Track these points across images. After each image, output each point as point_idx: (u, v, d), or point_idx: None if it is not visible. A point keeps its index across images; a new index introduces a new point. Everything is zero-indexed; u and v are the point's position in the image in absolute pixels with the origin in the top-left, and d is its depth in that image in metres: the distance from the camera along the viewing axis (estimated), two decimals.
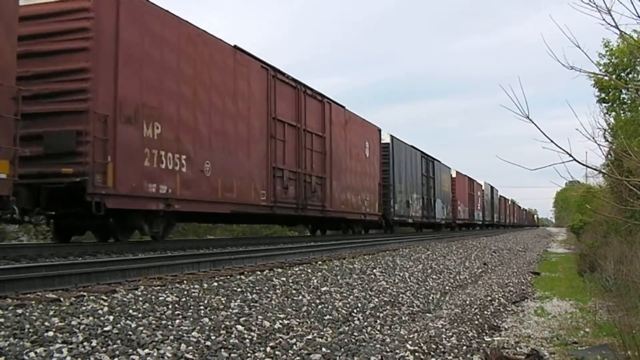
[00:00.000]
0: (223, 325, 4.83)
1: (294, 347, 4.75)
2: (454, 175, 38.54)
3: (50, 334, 3.86)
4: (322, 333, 5.38)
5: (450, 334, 6.33)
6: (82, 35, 8.92)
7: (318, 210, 16.63)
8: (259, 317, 5.37)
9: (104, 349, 3.80)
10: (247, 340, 4.63)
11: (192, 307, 5.27)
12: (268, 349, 4.57)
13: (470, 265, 14.54)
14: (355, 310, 6.69)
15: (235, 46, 12.76)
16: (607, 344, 6.29)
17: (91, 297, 5.08)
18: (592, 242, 18.91)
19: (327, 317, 6.09)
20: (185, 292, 5.77)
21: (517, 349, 6.35)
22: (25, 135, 8.17)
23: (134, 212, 9.98)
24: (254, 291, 6.46)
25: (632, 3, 4.37)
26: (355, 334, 5.71)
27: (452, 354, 5.56)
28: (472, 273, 13.19)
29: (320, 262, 9.81)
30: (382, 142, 23.36)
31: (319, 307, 6.41)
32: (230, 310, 5.46)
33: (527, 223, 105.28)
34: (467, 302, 8.92)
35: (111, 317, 4.46)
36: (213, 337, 4.48)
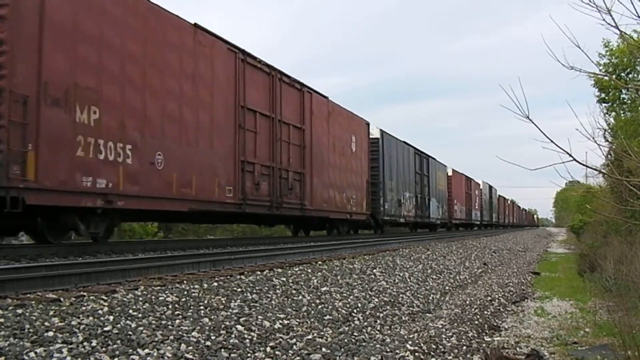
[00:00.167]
0: (223, 325, 4.83)
1: (294, 347, 4.75)
2: (450, 173, 37.02)
3: (50, 334, 3.86)
4: (322, 333, 5.38)
5: (450, 334, 6.33)
6: None
7: (296, 208, 15.26)
8: (259, 317, 5.37)
9: (104, 349, 3.80)
10: (247, 340, 4.63)
11: (192, 307, 5.27)
12: (268, 349, 4.57)
13: (470, 265, 14.54)
14: (355, 310, 6.69)
15: (195, 24, 11.38)
16: (607, 344, 6.30)
17: (91, 297, 5.08)
18: (592, 242, 18.93)
19: (327, 317, 6.08)
20: (185, 292, 5.77)
21: (517, 349, 6.35)
22: None
23: (67, 209, 8.69)
24: (254, 291, 6.46)
25: (632, 3, 4.38)
26: (355, 334, 5.70)
27: (452, 354, 5.56)
28: (472, 273, 13.19)
29: (320, 262, 9.81)
30: (371, 136, 21.95)
31: (319, 307, 6.41)
32: (230, 310, 5.46)
33: (526, 223, 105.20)
34: (467, 302, 8.92)
35: (111, 317, 4.46)
36: (213, 337, 4.48)
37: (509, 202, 73.86)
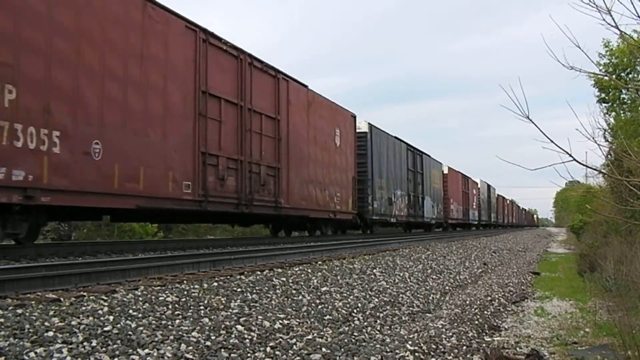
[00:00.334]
0: (223, 325, 4.83)
1: (294, 347, 4.75)
2: (445, 171, 35.49)
3: (50, 334, 3.86)
4: (322, 333, 5.38)
5: (450, 334, 6.33)
6: None
7: (270, 206, 13.88)
8: (259, 317, 5.37)
9: (104, 349, 3.80)
10: (247, 340, 4.63)
11: (192, 307, 5.27)
12: (268, 349, 4.57)
13: (470, 265, 14.54)
14: (355, 310, 6.69)
15: None
16: (607, 344, 6.30)
17: (91, 297, 5.08)
18: (592, 242, 18.94)
19: (327, 317, 6.09)
20: (185, 292, 5.77)
21: (517, 349, 6.35)
22: None
23: None
24: (254, 291, 6.46)
25: (632, 3, 4.38)
26: (355, 334, 5.71)
27: (452, 354, 5.56)
28: (472, 273, 13.19)
29: (320, 262, 9.80)
30: (358, 130, 20.49)
31: (319, 307, 6.41)
32: (230, 310, 5.46)
33: (526, 223, 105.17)
34: (467, 302, 8.92)
35: (111, 317, 4.46)
36: (213, 337, 4.48)
37: (508, 201, 73.31)
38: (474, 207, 45.13)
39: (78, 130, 8.50)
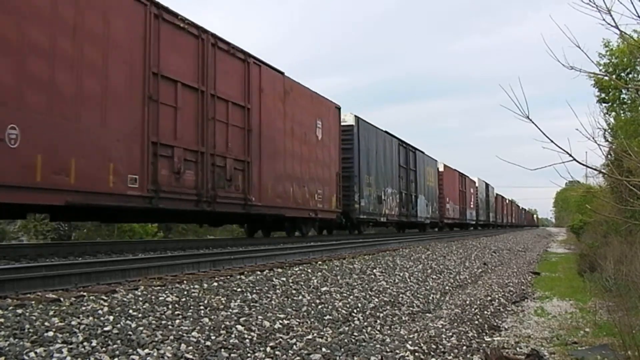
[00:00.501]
0: (223, 325, 4.83)
1: (294, 347, 4.75)
2: (441, 169, 33.82)
3: (50, 334, 3.86)
4: (322, 333, 5.38)
5: (450, 334, 6.33)
6: None
7: (237, 204, 12.53)
8: (259, 317, 5.37)
9: (104, 349, 3.80)
10: (247, 340, 4.63)
11: (192, 307, 5.27)
12: (268, 349, 4.57)
13: (470, 265, 14.54)
14: (355, 310, 6.70)
15: None
16: (607, 344, 6.30)
17: (91, 297, 5.08)
18: (592, 242, 18.94)
19: (327, 317, 6.09)
20: (185, 292, 5.77)
21: (517, 349, 6.36)
22: None
23: None
24: (254, 291, 6.46)
25: (632, 3, 4.38)
26: (355, 334, 5.71)
27: (452, 354, 5.56)
28: (472, 273, 13.19)
29: (320, 262, 9.81)
30: (344, 123, 19.16)
31: (319, 307, 6.41)
32: (230, 310, 5.46)
33: (526, 223, 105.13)
34: (467, 302, 8.92)
35: (111, 317, 4.46)
36: (213, 337, 4.48)
37: (507, 201, 72.78)
38: (472, 206, 43.85)
39: None
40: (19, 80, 7.69)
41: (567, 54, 4.67)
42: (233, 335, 4.66)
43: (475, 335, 6.67)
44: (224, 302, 5.71)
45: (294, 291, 6.92)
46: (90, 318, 4.35)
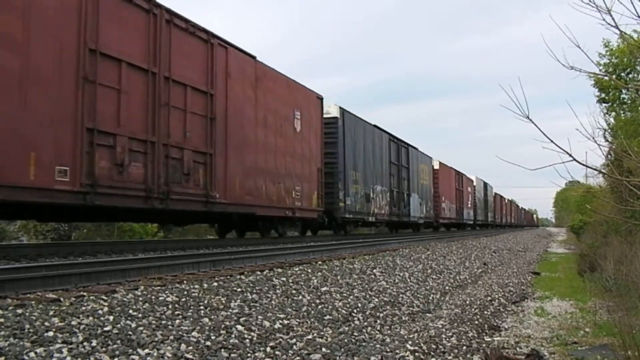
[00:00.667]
0: (223, 325, 4.83)
1: (294, 347, 4.75)
2: (436, 166, 32.30)
3: (50, 334, 3.86)
4: (322, 333, 5.38)
5: (450, 334, 6.33)
6: None
7: (198, 201, 11.19)
8: (259, 317, 5.37)
9: (104, 349, 3.80)
10: (247, 340, 4.63)
11: (192, 307, 5.27)
12: (268, 349, 4.57)
13: (470, 265, 14.54)
14: (355, 310, 6.70)
15: None
16: (607, 344, 6.30)
17: (91, 297, 5.08)
18: (592, 242, 18.94)
19: (327, 317, 6.09)
20: (185, 292, 5.77)
21: (517, 349, 6.36)
22: None
23: None
24: (254, 291, 6.46)
25: (632, 3, 4.38)
26: (355, 334, 5.71)
27: (452, 354, 5.56)
28: (472, 273, 13.19)
29: (320, 262, 9.81)
30: (327, 115, 17.78)
31: (319, 307, 6.41)
32: (230, 310, 5.46)
33: (526, 223, 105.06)
34: (467, 302, 8.92)
35: (111, 317, 4.46)
36: (213, 337, 4.48)
37: (506, 200, 72.31)
38: (469, 205, 42.27)
39: None
40: None
41: (567, 54, 4.67)
42: (233, 335, 4.66)
43: (475, 335, 6.67)
44: (224, 302, 5.71)
45: (294, 291, 6.92)
46: (90, 318, 4.35)
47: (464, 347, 5.90)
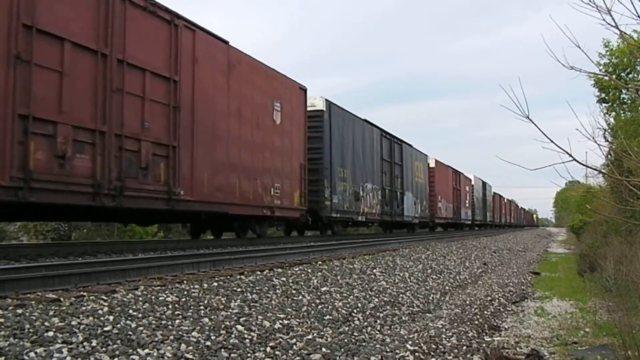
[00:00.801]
0: (223, 325, 4.83)
1: (294, 347, 4.75)
2: (432, 164, 31.07)
3: (50, 334, 3.86)
4: (322, 333, 5.38)
5: (450, 334, 6.33)
6: None
7: (158, 198, 10.01)
8: (259, 317, 5.37)
9: (104, 349, 3.80)
10: (247, 340, 4.63)
11: (192, 307, 5.27)
12: (268, 349, 4.57)
13: (470, 265, 14.54)
14: (355, 310, 6.70)
15: None
16: (607, 344, 6.30)
17: (91, 297, 5.08)
18: (592, 242, 18.96)
19: (327, 317, 6.09)
20: (185, 292, 5.77)
21: (517, 349, 6.36)
22: None
23: None
24: (254, 291, 6.46)
25: (632, 3, 4.38)
26: (355, 334, 5.71)
27: (452, 354, 5.56)
28: (472, 273, 13.20)
29: (320, 262, 9.81)
30: (312, 108, 16.62)
31: (319, 307, 6.41)
32: (230, 310, 5.46)
33: (525, 223, 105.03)
34: (467, 302, 8.92)
35: (111, 317, 4.46)
36: (213, 337, 4.48)
37: (505, 200, 72.00)
38: (467, 205, 40.79)
39: None
40: None
41: (567, 54, 4.67)
42: (233, 335, 4.66)
43: (475, 335, 6.67)
44: (224, 302, 5.71)
45: (294, 291, 6.92)
46: (90, 318, 4.35)
47: (464, 347, 5.90)
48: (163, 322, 4.64)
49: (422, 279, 10.33)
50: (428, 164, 30.66)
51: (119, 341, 3.98)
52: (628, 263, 8.87)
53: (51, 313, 4.37)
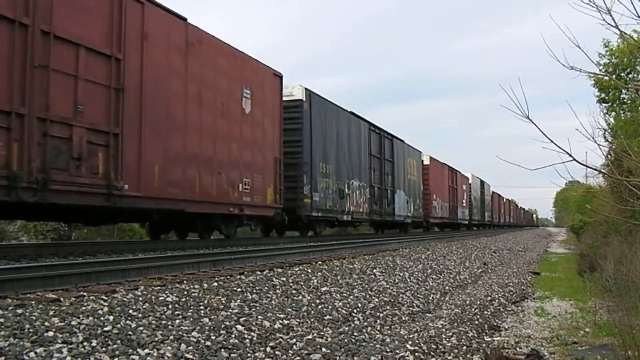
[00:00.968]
0: (223, 325, 4.83)
1: (294, 347, 4.75)
2: (426, 161, 29.63)
3: (50, 334, 3.86)
4: (322, 333, 5.38)
5: (450, 334, 6.33)
6: None
7: (95, 193, 8.73)
8: (259, 317, 5.37)
9: (104, 349, 3.80)
10: (247, 340, 4.63)
11: (192, 307, 5.27)
12: (268, 349, 4.57)
13: (470, 265, 14.54)
14: (355, 310, 6.70)
15: None
16: (607, 344, 6.30)
17: (91, 297, 5.08)
18: (592, 242, 18.95)
19: (327, 317, 6.09)
20: (185, 292, 5.77)
21: (517, 349, 6.36)
22: None
23: None
24: (254, 291, 6.46)
25: (632, 3, 4.38)
26: (355, 334, 5.71)
27: (452, 354, 5.56)
28: (472, 273, 13.20)
29: (320, 262, 9.81)
30: (290, 97, 15.36)
31: (319, 307, 6.41)
32: (230, 310, 5.46)
33: (525, 223, 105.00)
34: (467, 302, 8.92)
35: (111, 317, 4.46)
36: (213, 337, 4.48)
37: (504, 200, 71.68)
38: (464, 204, 39.41)
39: None
40: None
41: (567, 54, 4.68)
42: (233, 335, 4.66)
43: (475, 335, 6.67)
44: (224, 302, 5.71)
45: (294, 291, 6.92)
46: (90, 318, 4.35)
47: (464, 347, 5.90)
48: (163, 322, 4.64)
49: (422, 279, 10.33)
50: (422, 161, 29.34)
51: (119, 341, 3.98)
52: (628, 263, 8.87)
53: (51, 313, 4.37)
